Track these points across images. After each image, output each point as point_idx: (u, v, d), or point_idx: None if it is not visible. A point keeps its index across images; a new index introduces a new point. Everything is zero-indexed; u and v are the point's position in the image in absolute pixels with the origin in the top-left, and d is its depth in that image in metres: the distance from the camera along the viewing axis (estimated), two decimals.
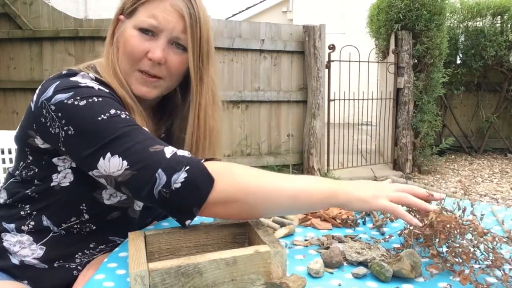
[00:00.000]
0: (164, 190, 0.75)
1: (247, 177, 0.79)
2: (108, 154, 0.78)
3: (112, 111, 0.82)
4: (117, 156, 0.77)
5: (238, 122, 4.79)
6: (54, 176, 0.92)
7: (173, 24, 0.90)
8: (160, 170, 0.75)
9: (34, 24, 4.31)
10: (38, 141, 0.90)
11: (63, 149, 0.85)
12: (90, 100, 0.82)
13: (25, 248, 0.95)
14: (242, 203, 0.78)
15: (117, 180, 0.78)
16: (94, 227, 0.97)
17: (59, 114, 0.82)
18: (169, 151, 0.78)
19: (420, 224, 0.79)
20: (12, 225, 0.96)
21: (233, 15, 11.96)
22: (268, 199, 0.78)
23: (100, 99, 0.83)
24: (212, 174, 0.76)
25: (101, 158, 0.78)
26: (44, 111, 0.84)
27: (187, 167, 0.75)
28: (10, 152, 1.47)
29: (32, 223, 0.95)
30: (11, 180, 0.99)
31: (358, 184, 0.85)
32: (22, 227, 0.95)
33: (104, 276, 0.76)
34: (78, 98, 0.82)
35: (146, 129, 0.84)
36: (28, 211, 0.95)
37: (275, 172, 0.83)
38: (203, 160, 0.79)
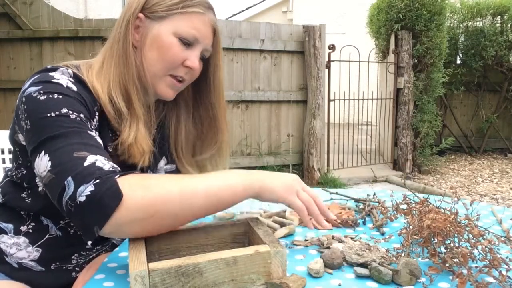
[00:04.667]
0: (70, 202, 0.70)
1: (165, 185, 0.74)
2: (42, 153, 0.76)
3: (63, 110, 0.80)
4: (47, 155, 0.76)
5: (238, 122, 4.79)
6: (37, 179, 0.91)
7: (209, 39, 0.97)
8: (70, 178, 0.71)
9: (34, 24, 4.31)
10: (20, 137, 0.90)
11: (26, 143, 0.85)
12: (50, 96, 0.81)
13: (21, 250, 0.95)
14: (160, 216, 0.72)
15: (43, 182, 0.77)
16: None
17: (25, 107, 0.83)
18: (91, 159, 0.73)
19: (312, 228, 0.88)
20: (11, 226, 0.96)
21: (233, 15, 11.96)
22: (191, 203, 0.74)
23: (60, 96, 0.82)
24: (123, 190, 0.70)
25: (37, 157, 0.77)
26: (20, 103, 0.85)
27: (96, 180, 0.70)
28: (10, 152, 1.48)
29: (32, 223, 0.95)
30: (7, 179, 0.99)
31: (270, 176, 0.84)
32: (21, 227, 0.95)
33: (104, 276, 0.76)
34: (42, 92, 0.82)
35: (93, 134, 0.82)
36: (27, 212, 0.95)
37: (191, 174, 0.83)
38: (118, 175, 0.73)
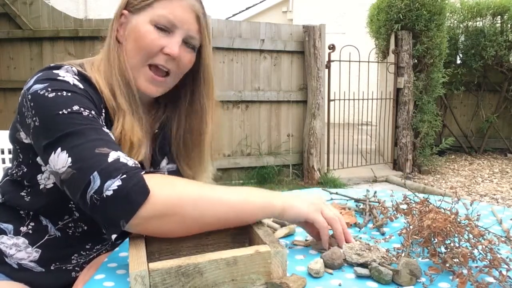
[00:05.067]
0: (95, 196, 0.71)
1: (187, 188, 0.77)
2: (59, 150, 0.76)
3: (75, 107, 0.80)
4: (65, 152, 0.76)
5: (238, 122, 4.79)
6: (39, 177, 0.91)
7: (189, 24, 0.93)
8: (95, 173, 0.72)
9: (34, 24, 4.31)
10: (22, 135, 0.90)
11: (32, 141, 0.85)
12: (59, 93, 0.81)
13: (21, 251, 0.95)
14: (181, 216, 0.74)
15: (61, 178, 0.77)
16: (86, 227, 0.95)
17: (32, 104, 0.82)
18: (114, 155, 0.75)
19: (326, 248, 0.84)
20: (11, 226, 0.96)
21: (233, 15, 11.96)
22: (209, 210, 0.76)
23: (69, 94, 0.82)
24: (149, 186, 0.72)
25: (52, 153, 0.77)
26: (24, 100, 0.85)
27: (124, 176, 0.72)
28: (10, 152, 1.47)
29: (32, 223, 0.95)
30: (7, 178, 0.99)
31: (294, 195, 0.87)
32: (21, 228, 0.95)
33: (104, 276, 0.76)
34: (50, 89, 0.82)
35: (107, 131, 0.83)
36: (27, 212, 0.95)
37: (215, 185, 0.82)
38: (144, 172, 0.75)
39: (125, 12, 0.95)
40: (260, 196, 0.82)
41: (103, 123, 0.86)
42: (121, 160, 0.75)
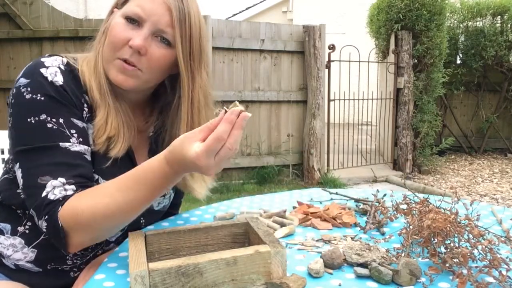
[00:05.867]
0: (40, 226, 0.83)
1: (92, 212, 0.80)
2: (17, 165, 0.86)
3: (42, 117, 0.85)
4: (20, 171, 0.85)
5: None
6: None
7: (158, 16, 0.88)
8: (32, 210, 0.84)
9: (34, 24, 4.31)
10: None
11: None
12: (34, 96, 0.86)
13: (17, 252, 0.95)
14: (101, 230, 0.84)
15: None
16: None
17: (13, 101, 0.88)
18: (49, 188, 0.82)
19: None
20: (8, 226, 0.96)
21: (233, 15, 11.96)
22: (117, 220, 0.83)
23: (42, 98, 0.85)
24: (64, 227, 0.80)
25: (15, 166, 0.87)
26: (11, 93, 0.89)
27: (46, 217, 0.81)
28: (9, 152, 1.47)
29: (29, 223, 0.95)
30: (4, 177, 0.99)
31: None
32: (18, 228, 0.95)
33: (104, 276, 0.76)
34: (29, 89, 0.86)
35: (66, 145, 0.85)
36: (23, 210, 0.95)
37: (114, 184, 0.81)
38: (60, 207, 0.81)
39: (115, 10, 0.96)
40: (154, 160, 0.79)
41: (77, 117, 0.89)
42: (49, 196, 0.81)
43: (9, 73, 4.39)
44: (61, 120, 0.86)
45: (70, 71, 0.90)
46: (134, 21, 0.89)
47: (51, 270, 0.97)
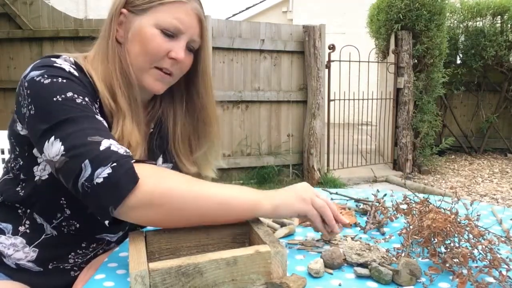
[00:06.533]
0: (86, 183, 0.73)
1: (176, 181, 0.78)
2: (52, 138, 0.77)
3: (69, 94, 0.81)
4: (58, 140, 0.77)
5: (238, 122, 4.79)
6: (35, 168, 0.91)
7: (194, 29, 0.95)
8: (87, 161, 0.73)
9: (34, 24, 4.31)
10: (19, 126, 0.90)
11: (27, 131, 0.86)
12: (54, 79, 0.82)
13: (18, 251, 0.95)
14: (167, 207, 0.75)
15: (55, 167, 0.78)
16: (78, 225, 0.95)
17: (28, 92, 0.83)
18: (106, 144, 0.76)
19: (327, 237, 0.89)
20: (10, 226, 0.96)
21: (233, 15, 11.95)
22: (196, 204, 0.76)
23: (64, 80, 0.83)
24: (139, 175, 0.73)
25: (46, 142, 0.78)
26: (21, 88, 0.85)
27: (114, 163, 0.73)
28: (10, 152, 1.47)
29: (28, 222, 0.95)
30: (5, 177, 0.99)
31: (281, 191, 0.85)
32: (19, 228, 0.95)
33: (104, 276, 0.76)
34: (46, 76, 0.82)
35: (100, 119, 0.83)
36: (23, 209, 0.95)
37: (206, 181, 0.82)
38: (134, 161, 0.76)
39: (125, 11, 0.94)
40: (249, 195, 0.81)
41: (97, 111, 0.86)
42: (112, 148, 0.75)
43: (9, 73, 4.39)
44: (87, 99, 0.84)
45: (80, 70, 0.90)
46: (170, 33, 0.92)
47: (52, 269, 0.97)
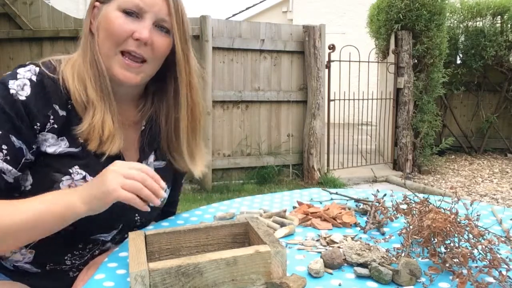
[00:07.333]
0: None
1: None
2: None
3: None
4: None
5: (238, 122, 4.79)
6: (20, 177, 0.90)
7: (158, 6, 0.91)
8: None
9: (34, 24, 4.31)
10: None
11: None
12: None
13: (15, 253, 0.95)
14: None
15: None
16: (72, 227, 0.92)
17: None
18: None
19: (148, 209, 0.82)
20: None
21: (233, 15, 11.96)
22: (8, 237, 0.79)
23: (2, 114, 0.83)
24: None
25: None
26: None
27: None
28: None
29: None
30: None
31: (92, 183, 0.83)
32: None
33: (104, 275, 0.76)
34: None
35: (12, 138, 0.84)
36: None
37: (9, 202, 0.81)
38: None
39: (97, 4, 0.95)
40: (58, 205, 0.81)
41: (11, 140, 0.85)
42: None
43: None
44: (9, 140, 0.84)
45: (41, 82, 0.88)
46: (133, 13, 0.90)
47: (50, 270, 0.97)
